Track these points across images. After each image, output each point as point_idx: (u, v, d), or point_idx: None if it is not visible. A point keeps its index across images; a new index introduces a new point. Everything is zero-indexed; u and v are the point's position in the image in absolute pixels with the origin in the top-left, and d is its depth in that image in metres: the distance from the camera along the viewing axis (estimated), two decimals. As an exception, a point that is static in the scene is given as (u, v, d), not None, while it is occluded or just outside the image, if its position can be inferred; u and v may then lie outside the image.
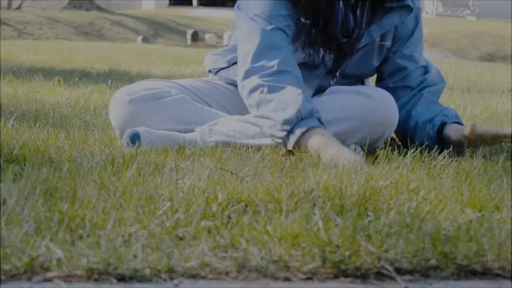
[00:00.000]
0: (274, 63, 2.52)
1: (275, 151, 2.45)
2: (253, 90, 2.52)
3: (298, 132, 2.41)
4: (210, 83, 2.87)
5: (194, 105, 2.69)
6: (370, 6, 2.68)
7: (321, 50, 2.68)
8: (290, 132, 2.42)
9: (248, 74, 2.55)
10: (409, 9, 2.71)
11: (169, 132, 2.55)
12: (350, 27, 2.64)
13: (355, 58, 2.72)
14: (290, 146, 2.43)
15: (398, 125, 2.67)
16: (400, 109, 2.67)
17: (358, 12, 2.64)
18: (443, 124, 2.61)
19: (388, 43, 2.75)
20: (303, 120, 2.41)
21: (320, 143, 2.36)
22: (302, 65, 2.67)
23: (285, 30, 2.58)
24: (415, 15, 2.76)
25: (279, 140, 2.46)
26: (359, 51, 2.71)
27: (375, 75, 2.86)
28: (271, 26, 2.57)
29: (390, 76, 2.78)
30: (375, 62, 2.76)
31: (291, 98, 2.45)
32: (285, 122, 2.43)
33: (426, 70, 2.79)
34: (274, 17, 2.58)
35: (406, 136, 2.69)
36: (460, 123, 2.63)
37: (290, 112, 2.42)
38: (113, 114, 2.65)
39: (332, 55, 2.69)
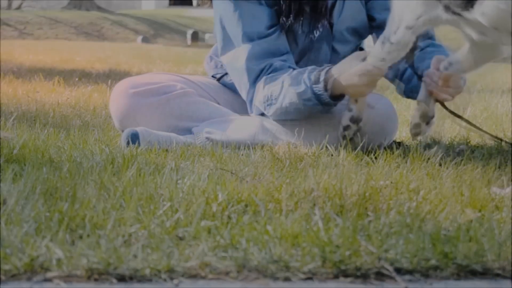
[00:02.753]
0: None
1: (275, 151, 2.45)
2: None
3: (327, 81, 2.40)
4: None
5: (197, 99, 2.66)
6: None
7: (298, 20, 2.60)
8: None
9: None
10: None
11: (168, 133, 2.54)
12: None
13: (345, 12, 2.65)
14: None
15: None
16: None
17: None
18: None
19: None
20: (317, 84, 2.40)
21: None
22: (303, 53, 2.64)
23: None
24: None
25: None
26: (344, 4, 2.64)
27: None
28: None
29: None
30: (364, 14, 2.68)
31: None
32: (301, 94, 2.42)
33: None
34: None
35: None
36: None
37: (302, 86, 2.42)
38: (115, 104, 2.62)
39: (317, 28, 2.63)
